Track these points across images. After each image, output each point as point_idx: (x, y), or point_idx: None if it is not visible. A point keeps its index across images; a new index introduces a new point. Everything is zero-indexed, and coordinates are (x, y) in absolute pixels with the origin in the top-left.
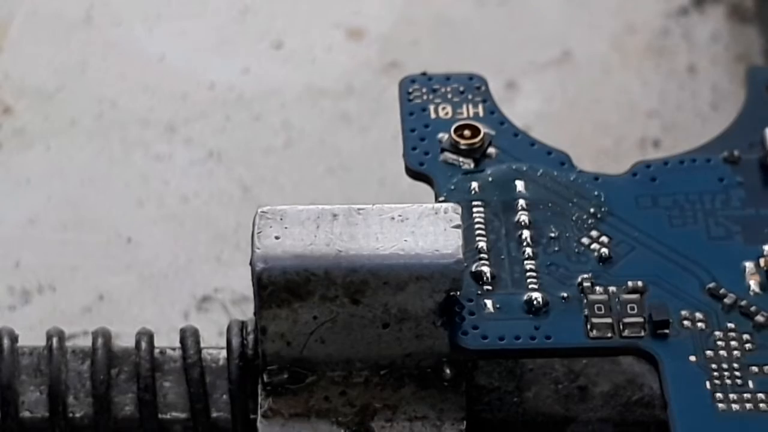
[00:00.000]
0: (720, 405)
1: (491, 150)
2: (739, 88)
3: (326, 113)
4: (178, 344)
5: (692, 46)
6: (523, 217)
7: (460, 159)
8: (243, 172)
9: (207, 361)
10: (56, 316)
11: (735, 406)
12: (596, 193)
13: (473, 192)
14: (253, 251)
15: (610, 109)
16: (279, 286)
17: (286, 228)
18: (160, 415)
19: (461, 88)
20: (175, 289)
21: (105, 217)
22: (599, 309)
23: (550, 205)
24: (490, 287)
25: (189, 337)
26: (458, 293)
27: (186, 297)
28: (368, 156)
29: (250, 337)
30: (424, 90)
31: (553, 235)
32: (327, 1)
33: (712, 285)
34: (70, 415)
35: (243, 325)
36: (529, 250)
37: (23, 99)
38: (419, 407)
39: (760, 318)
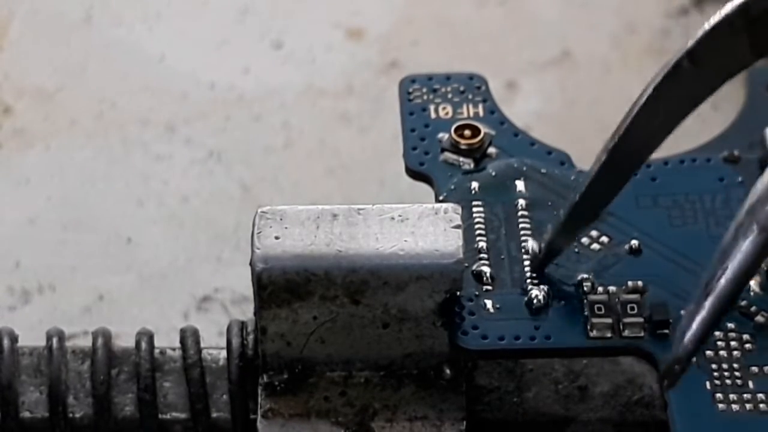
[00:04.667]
0: (720, 405)
1: (491, 150)
2: (739, 88)
3: (326, 113)
4: (178, 344)
5: None
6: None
7: (460, 159)
8: (243, 172)
9: (207, 361)
10: (56, 316)
11: (735, 407)
12: None
13: (473, 192)
14: (253, 251)
15: (610, 109)
16: (279, 286)
17: (286, 228)
18: (160, 416)
19: (461, 88)
20: (175, 289)
21: (105, 217)
22: (599, 309)
23: (550, 204)
24: (490, 287)
25: (189, 337)
26: (458, 293)
27: (186, 297)
28: (368, 156)
29: (250, 337)
30: (424, 90)
31: None
32: (327, 1)
33: None
34: (70, 415)
35: (243, 325)
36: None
37: (23, 99)
38: (419, 407)
39: (760, 318)
